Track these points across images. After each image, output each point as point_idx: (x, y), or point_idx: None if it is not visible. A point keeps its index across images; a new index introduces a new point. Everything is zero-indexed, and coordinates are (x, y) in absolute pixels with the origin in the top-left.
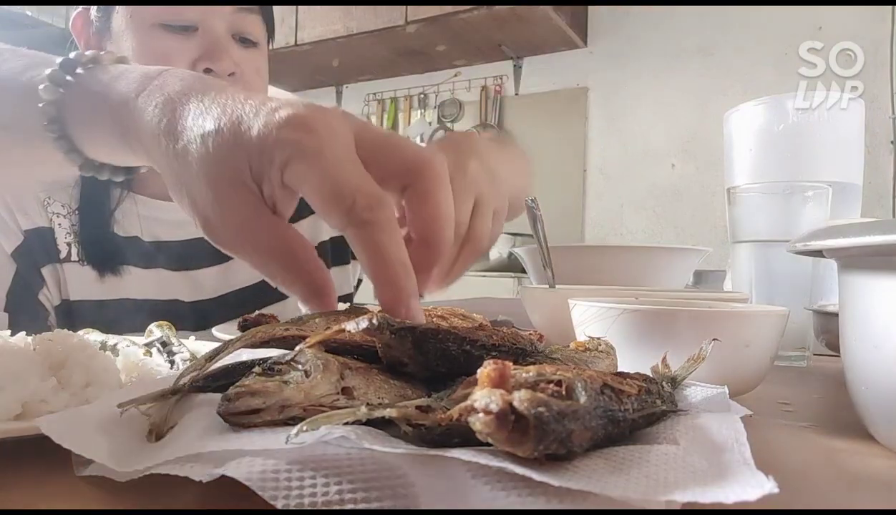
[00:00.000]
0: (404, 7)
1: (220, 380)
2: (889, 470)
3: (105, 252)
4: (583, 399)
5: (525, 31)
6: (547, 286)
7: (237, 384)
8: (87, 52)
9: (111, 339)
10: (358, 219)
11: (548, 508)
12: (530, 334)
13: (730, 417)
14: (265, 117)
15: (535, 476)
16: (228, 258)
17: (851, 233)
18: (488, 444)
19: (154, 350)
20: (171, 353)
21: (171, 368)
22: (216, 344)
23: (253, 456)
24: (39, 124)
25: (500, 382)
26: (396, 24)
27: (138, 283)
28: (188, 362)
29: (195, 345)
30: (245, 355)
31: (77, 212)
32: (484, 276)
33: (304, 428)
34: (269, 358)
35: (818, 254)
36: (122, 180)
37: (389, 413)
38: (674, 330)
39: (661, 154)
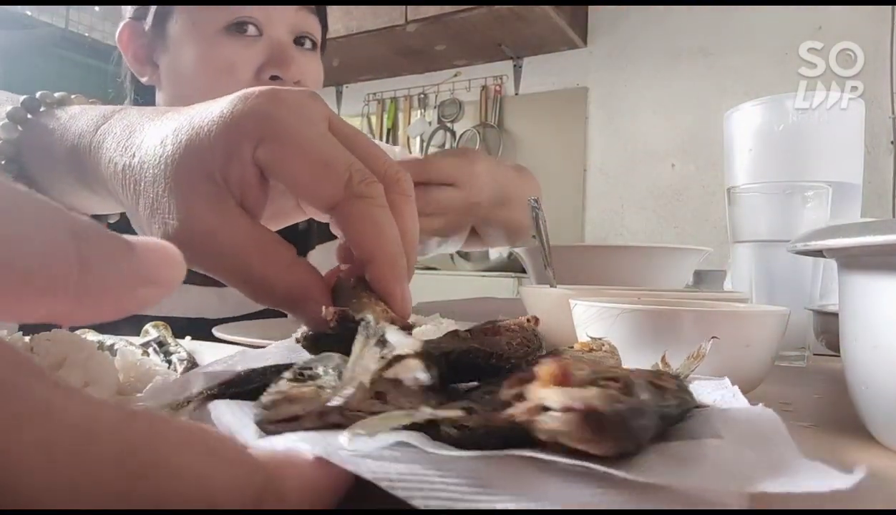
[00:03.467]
0: (404, 7)
1: (233, 387)
2: (889, 470)
3: None
4: (644, 395)
5: (525, 30)
6: (548, 286)
7: (271, 391)
8: (56, 94)
9: (108, 339)
10: (357, 192)
11: (639, 508)
12: (527, 319)
13: (760, 410)
14: (231, 99)
15: (616, 472)
16: None
17: (851, 233)
18: (536, 444)
19: (150, 350)
20: (167, 353)
21: (169, 368)
22: (213, 344)
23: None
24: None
25: (565, 380)
26: (396, 24)
27: (164, 300)
28: (185, 362)
29: (191, 345)
30: (254, 362)
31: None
32: (484, 276)
33: (360, 430)
34: (291, 363)
35: (818, 253)
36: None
37: (453, 413)
38: (674, 330)
39: (661, 154)
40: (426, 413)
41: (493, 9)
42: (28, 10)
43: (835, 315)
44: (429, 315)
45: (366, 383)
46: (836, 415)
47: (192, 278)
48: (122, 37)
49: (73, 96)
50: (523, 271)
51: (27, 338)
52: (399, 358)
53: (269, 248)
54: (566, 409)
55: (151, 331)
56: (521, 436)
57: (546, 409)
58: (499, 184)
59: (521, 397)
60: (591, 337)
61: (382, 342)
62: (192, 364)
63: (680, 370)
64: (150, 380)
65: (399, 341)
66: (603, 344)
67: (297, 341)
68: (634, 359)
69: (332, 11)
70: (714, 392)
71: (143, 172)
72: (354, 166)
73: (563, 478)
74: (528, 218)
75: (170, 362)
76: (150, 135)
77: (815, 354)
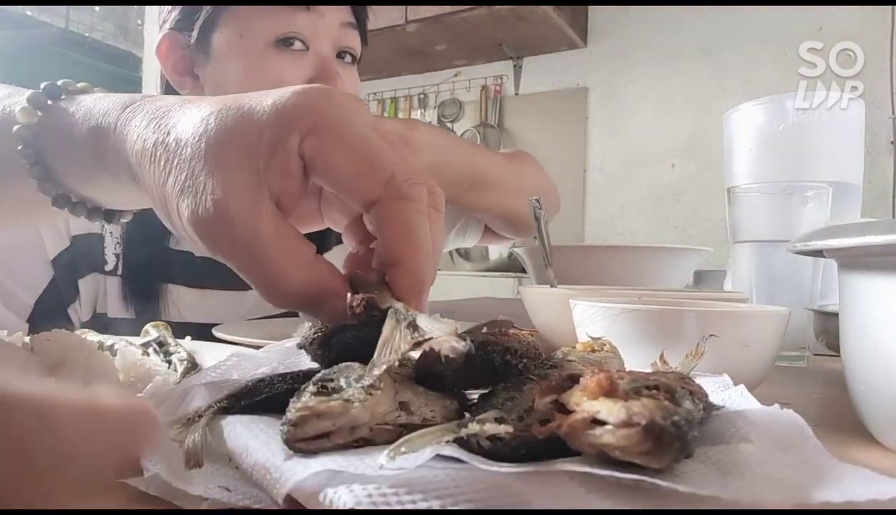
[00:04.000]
0: (404, 7)
1: (243, 400)
2: (889, 470)
3: (151, 268)
4: (688, 404)
5: (525, 30)
6: (548, 286)
7: (298, 407)
8: (79, 84)
9: (108, 339)
10: (397, 191)
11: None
12: (529, 333)
13: (779, 411)
14: (285, 91)
15: (663, 483)
16: None
17: (851, 233)
18: (572, 454)
19: (150, 350)
20: (167, 353)
21: (169, 368)
22: (213, 344)
23: (350, 482)
24: (15, 150)
25: (613, 391)
26: (396, 24)
27: (181, 304)
28: (185, 362)
29: (191, 345)
30: (249, 365)
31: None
32: (484, 276)
33: (403, 449)
34: (299, 372)
35: (818, 253)
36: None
37: (492, 428)
38: (673, 330)
39: (661, 154)
40: (471, 429)
41: (493, 9)
42: (28, 10)
43: (835, 315)
44: (429, 315)
45: (395, 362)
46: (836, 415)
47: (211, 283)
48: (161, 48)
49: (95, 89)
50: (523, 271)
51: (27, 338)
52: (430, 340)
53: (292, 245)
54: (624, 424)
55: (151, 331)
56: (555, 447)
57: (596, 421)
58: (459, 162)
59: (559, 406)
60: (591, 338)
61: (413, 326)
62: (191, 364)
63: (679, 368)
64: (151, 380)
65: (430, 326)
66: (604, 345)
67: (300, 346)
68: (634, 359)
69: None
70: (721, 391)
71: (180, 149)
72: (398, 165)
73: (606, 492)
74: (527, 208)
75: (170, 362)
76: (189, 115)
77: (815, 354)
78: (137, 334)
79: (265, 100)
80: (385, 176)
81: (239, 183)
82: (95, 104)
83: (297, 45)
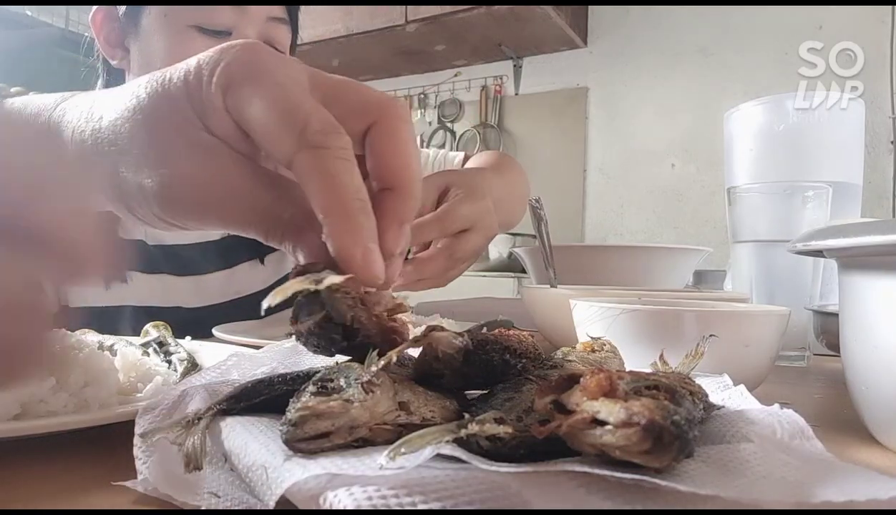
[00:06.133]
0: (404, 7)
1: (242, 401)
2: (889, 470)
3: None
4: (688, 404)
5: (525, 30)
6: (548, 286)
7: (298, 407)
8: (13, 88)
9: (108, 340)
10: (310, 142)
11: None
12: (529, 333)
13: (779, 411)
14: (211, 50)
15: (663, 483)
16: (235, 263)
17: (851, 233)
18: (572, 454)
19: (150, 350)
20: (167, 353)
21: (169, 368)
22: (213, 344)
23: (350, 484)
24: None
25: (612, 391)
26: (396, 24)
27: (141, 289)
28: (185, 362)
29: (191, 346)
30: (249, 364)
31: None
32: (484, 276)
33: (403, 449)
34: (299, 372)
35: (818, 253)
36: None
37: (492, 428)
38: (673, 330)
39: (661, 154)
40: (471, 429)
41: (492, 9)
42: (28, 10)
43: (835, 315)
44: (429, 315)
45: (393, 358)
46: (836, 415)
47: (167, 269)
48: (96, 19)
49: (31, 92)
50: (523, 271)
51: None
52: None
53: (283, 184)
54: (624, 424)
55: (151, 331)
56: (555, 447)
57: (596, 421)
58: (498, 203)
59: (559, 406)
60: (591, 337)
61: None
62: (191, 364)
63: (679, 369)
64: (151, 380)
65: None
66: (604, 344)
67: (293, 335)
68: (634, 359)
69: (332, 11)
70: (721, 391)
71: (119, 130)
72: (315, 115)
73: (606, 492)
74: (518, 214)
75: (170, 362)
76: (117, 96)
77: (815, 354)
78: (98, 322)
79: (192, 60)
80: (297, 128)
81: (193, 146)
82: (24, 110)
83: (220, 28)
